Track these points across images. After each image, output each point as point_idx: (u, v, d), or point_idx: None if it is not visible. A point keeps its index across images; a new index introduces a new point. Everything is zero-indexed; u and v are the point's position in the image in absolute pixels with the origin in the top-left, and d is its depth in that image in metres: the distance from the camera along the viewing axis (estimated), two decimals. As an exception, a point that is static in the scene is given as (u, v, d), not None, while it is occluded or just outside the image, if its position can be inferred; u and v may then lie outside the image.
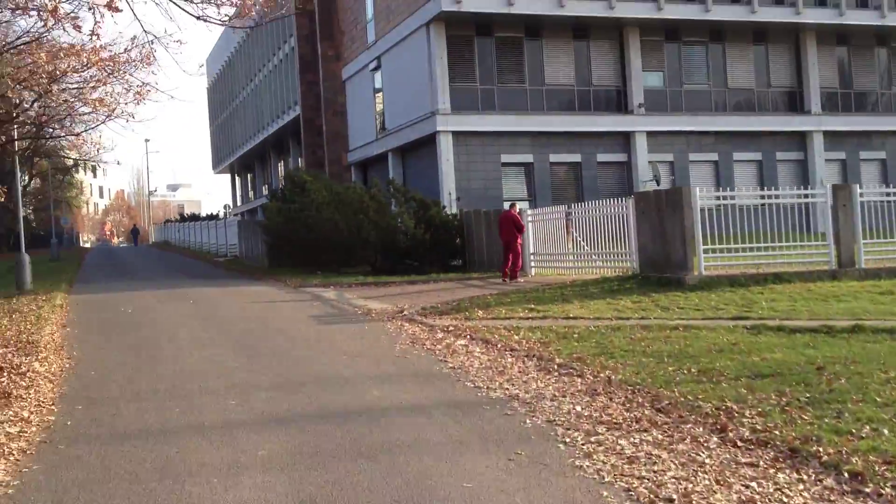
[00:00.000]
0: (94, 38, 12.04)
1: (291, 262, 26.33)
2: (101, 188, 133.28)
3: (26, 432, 7.14)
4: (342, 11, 39.50)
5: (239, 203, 74.18)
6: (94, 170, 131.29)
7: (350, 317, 14.95)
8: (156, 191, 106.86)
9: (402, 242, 24.70)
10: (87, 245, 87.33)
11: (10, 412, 7.71)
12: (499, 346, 11.02)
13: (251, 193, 69.95)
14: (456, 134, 30.45)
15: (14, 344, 11.90)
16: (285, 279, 22.93)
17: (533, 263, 22.36)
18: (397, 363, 10.19)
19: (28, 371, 9.69)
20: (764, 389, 7.84)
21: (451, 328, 12.71)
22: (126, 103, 13.87)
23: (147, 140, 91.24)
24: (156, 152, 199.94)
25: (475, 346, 11.19)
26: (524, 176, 32.33)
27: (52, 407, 8.17)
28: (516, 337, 11.62)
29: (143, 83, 14.00)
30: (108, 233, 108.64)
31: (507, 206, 23.19)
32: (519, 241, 20.58)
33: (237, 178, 75.02)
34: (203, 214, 59.78)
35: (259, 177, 65.09)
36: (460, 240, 25.70)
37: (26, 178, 61.94)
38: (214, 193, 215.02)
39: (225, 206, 69.08)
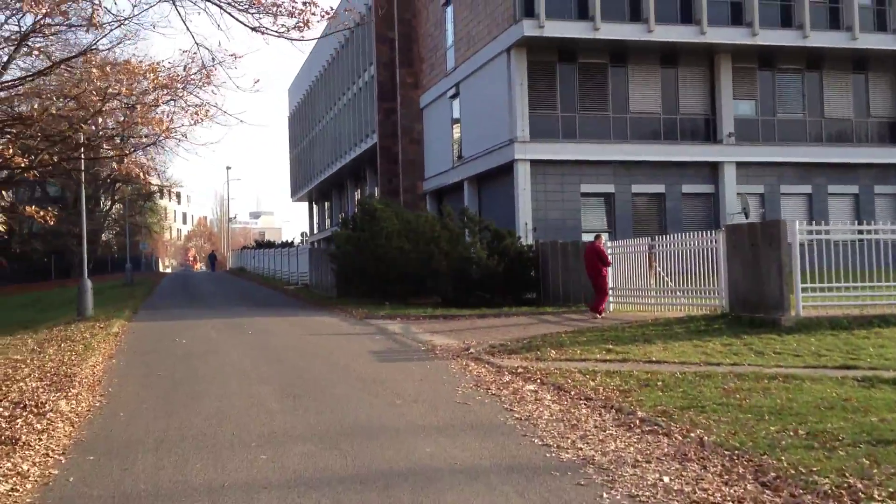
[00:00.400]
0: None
1: (360, 291, 25.48)
2: (184, 214, 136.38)
3: (17, 491, 6.18)
4: (423, 38, 38.95)
5: (315, 231, 74.36)
6: (178, 196, 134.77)
7: (412, 353, 13.86)
8: (235, 217, 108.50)
9: (474, 273, 23.57)
10: (169, 270, 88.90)
11: (9, 464, 6.76)
12: (572, 393, 9.76)
13: (327, 221, 70.01)
14: (534, 162, 29.32)
15: (50, 377, 11.17)
16: (352, 310, 22.05)
17: (612, 299, 20.97)
18: (457, 411, 9.03)
19: (51, 410, 8.83)
20: (891, 460, 6.45)
21: (520, 370, 11.49)
22: (182, 125, 13.13)
23: (228, 168, 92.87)
24: (237, 180, 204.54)
25: (546, 392, 9.95)
26: (604, 206, 30.95)
27: (60, 457, 7.21)
28: (592, 383, 10.34)
29: (202, 102, 13.26)
30: (190, 258, 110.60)
31: (586, 238, 21.87)
32: (604, 274, 19.25)
33: (314, 206, 75.30)
34: (279, 242, 59.82)
35: (336, 205, 65.03)
36: (535, 272, 24.46)
37: (108, 203, 63.21)
38: (294, 221, 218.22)
39: (302, 234, 69.23)
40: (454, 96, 34.78)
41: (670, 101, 31.47)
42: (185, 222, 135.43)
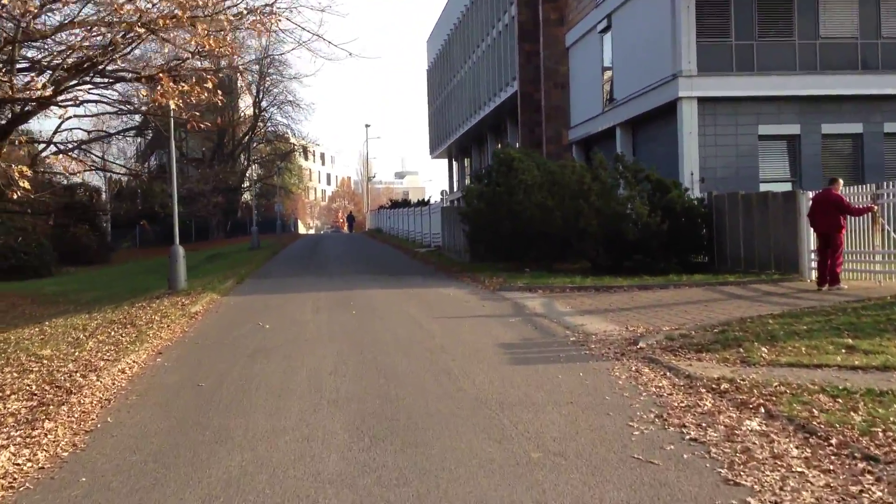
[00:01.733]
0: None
1: (495, 255, 21.81)
2: (328, 175, 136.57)
3: None
4: (566, -32, 34.44)
5: (455, 188, 71.18)
6: (322, 157, 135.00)
7: (558, 347, 10.04)
8: (374, 176, 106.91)
9: (631, 234, 19.39)
10: (311, 231, 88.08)
11: None
12: (834, 442, 5.72)
13: (467, 179, 66.61)
14: (702, 101, 24.57)
15: (52, 389, 8.08)
16: (484, 278, 18.42)
17: (814, 264, 16.45)
18: (636, 482, 5.19)
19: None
20: None
21: (722, 385, 7.49)
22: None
23: (367, 125, 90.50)
24: (377, 138, 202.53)
25: (784, 437, 5.93)
26: (787, 151, 25.84)
27: None
28: (857, 417, 6.25)
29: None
30: (340, 220, 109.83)
31: (765, 188, 17.24)
32: (843, 232, 14.69)
33: (454, 163, 72.02)
34: (417, 200, 56.95)
35: (476, 161, 61.44)
36: (707, 231, 20.08)
37: (245, 162, 62.02)
38: (437, 180, 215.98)
39: (442, 193, 66.00)
40: (605, 30, 30.21)
41: (870, 23, 25.82)
42: (328, 183, 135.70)
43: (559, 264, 20.80)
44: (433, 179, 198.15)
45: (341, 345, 10.51)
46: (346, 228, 78.28)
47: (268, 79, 59.93)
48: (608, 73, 30.38)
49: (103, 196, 72.02)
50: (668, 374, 8.20)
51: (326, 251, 34.03)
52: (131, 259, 47.87)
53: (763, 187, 23.93)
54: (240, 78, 62.43)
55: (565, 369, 8.63)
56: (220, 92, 11.24)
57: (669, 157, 25.55)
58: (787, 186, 24.40)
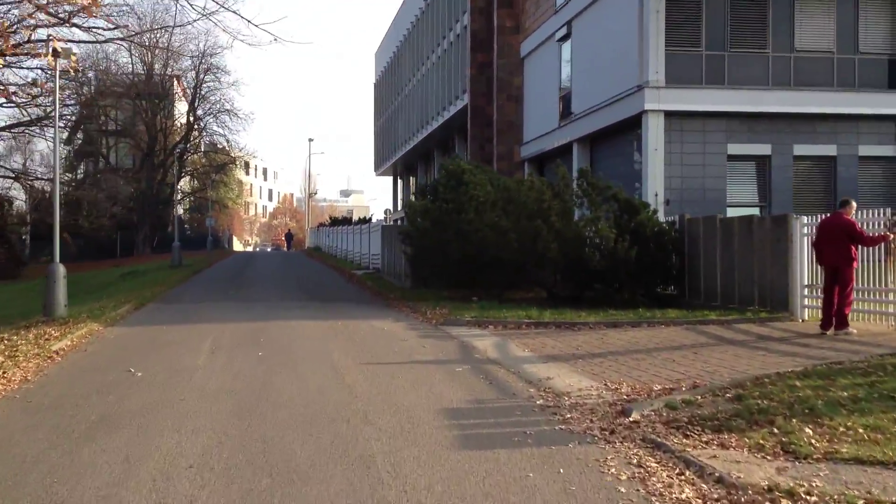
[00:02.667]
0: None
1: (440, 281, 19.23)
2: (270, 191, 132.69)
3: None
4: (522, -28, 32.24)
5: (399, 207, 68.62)
6: (264, 172, 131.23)
7: (523, 417, 7.42)
8: (317, 192, 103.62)
9: (594, 260, 17.00)
10: (250, 248, 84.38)
11: None
12: None
13: (412, 197, 64.12)
14: (669, 115, 22.42)
15: None
16: (426, 309, 15.82)
17: (807, 301, 14.22)
18: None
19: None
20: None
21: (781, 502, 4.97)
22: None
23: (311, 139, 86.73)
24: (320, 153, 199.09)
25: None
26: (756, 174, 23.84)
27: None
28: None
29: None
30: (282, 237, 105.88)
31: (733, 213, 15.06)
32: (855, 264, 12.31)
33: (399, 180, 69.52)
34: (359, 218, 54.20)
35: (422, 178, 58.99)
36: (678, 259, 17.78)
37: (178, 174, 58.53)
38: (382, 198, 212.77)
39: (385, 212, 63.33)
40: (564, 38, 27.99)
41: (847, 36, 24.04)
42: (270, 199, 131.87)
43: (511, 293, 18.29)
44: (377, 198, 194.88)
45: (226, 410, 7.72)
46: (285, 246, 75.01)
47: (204, 86, 56.75)
48: (566, 85, 28.14)
49: (14, 206, 67.88)
50: (686, 471, 5.64)
51: (255, 271, 31.05)
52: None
53: (730, 212, 21.88)
54: (175, 83, 59.23)
55: (538, 460, 6.01)
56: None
57: (631, 177, 23.35)
58: (755, 211, 22.38)
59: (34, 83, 21.06)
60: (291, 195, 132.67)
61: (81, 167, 67.29)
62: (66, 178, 65.16)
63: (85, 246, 60.79)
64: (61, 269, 15.12)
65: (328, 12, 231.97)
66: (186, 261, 36.64)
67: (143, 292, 20.72)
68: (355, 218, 65.25)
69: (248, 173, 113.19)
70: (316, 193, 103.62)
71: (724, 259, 16.36)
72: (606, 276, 17.15)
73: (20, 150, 66.00)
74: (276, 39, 17.24)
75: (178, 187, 56.30)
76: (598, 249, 17.13)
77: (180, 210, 67.15)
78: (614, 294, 16.86)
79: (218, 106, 56.27)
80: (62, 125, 56.08)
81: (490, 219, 16.31)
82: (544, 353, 10.95)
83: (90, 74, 54.93)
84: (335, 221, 53.52)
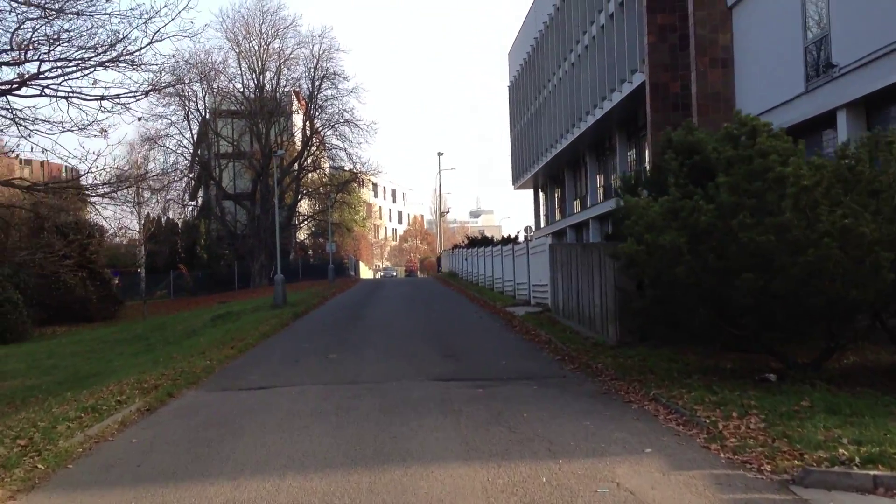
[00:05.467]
0: None
1: (676, 333, 10.89)
2: (400, 213, 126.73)
3: None
4: None
5: (542, 224, 60.28)
6: (392, 194, 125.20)
7: None
8: (448, 211, 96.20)
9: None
10: (379, 275, 77.56)
11: None
12: None
13: (557, 213, 55.61)
14: None
15: None
16: (708, 412, 7.54)
17: None
18: None
19: None
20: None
21: None
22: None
23: (440, 154, 78.41)
24: (451, 169, 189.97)
25: None
26: None
27: None
28: None
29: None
30: (414, 263, 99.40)
31: None
32: None
33: (540, 193, 61.27)
34: (502, 238, 46.19)
35: (570, 190, 50.58)
36: None
37: (295, 196, 52.02)
38: (516, 217, 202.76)
39: (526, 229, 55.19)
40: (806, -38, 19.11)
41: None
42: (400, 221, 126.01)
43: (803, 350, 9.75)
44: (511, 217, 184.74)
45: None
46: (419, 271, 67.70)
47: (320, 94, 50.12)
48: (815, 31, 19.19)
49: (128, 234, 63.21)
50: None
51: (376, 311, 23.19)
52: (151, 314, 37.91)
53: None
54: (293, 96, 53.10)
55: None
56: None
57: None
58: None
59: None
60: (421, 217, 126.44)
61: (200, 192, 62.18)
62: (189, 205, 60.09)
63: (203, 279, 55.33)
64: None
65: (454, 11, 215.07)
66: (296, 295, 29.42)
67: (205, 356, 13.35)
68: (485, 235, 57.24)
69: (375, 195, 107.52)
70: (448, 212, 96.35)
71: None
72: None
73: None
74: None
75: (290, 209, 49.92)
76: None
77: (301, 235, 60.98)
78: None
79: (337, 116, 49.52)
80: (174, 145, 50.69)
81: (833, 220, 7.79)
82: None
83: (196, 87, 49.46)
84: (473, 242, 45.57)
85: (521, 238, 44.80)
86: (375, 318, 20.78)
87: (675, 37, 26.42)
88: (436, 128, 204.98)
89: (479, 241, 42.99)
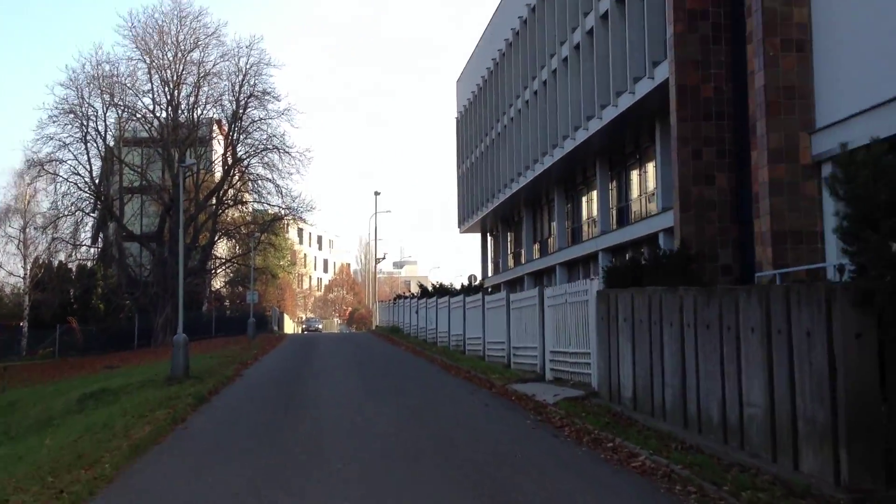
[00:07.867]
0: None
1: None
2: (325, 261, 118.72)
3: None
4: None
5: (490, 273, 53.80)
6: (318, 241, 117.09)
7: None
8: (384, 258, 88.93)
9: None
10: (298, 328, 69.31)
11: None
12: None
13: (510, 259, 49.20)
14: None
15: None
16: None
17: None
18: None
19: None
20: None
21: None
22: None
23: (377, 193, 70.38)
24: (387, 212, 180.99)
25: None
26: None
27: None
28: None
29: None
30: (346, 313, 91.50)
31: None
32: None
33: (489, 237, 54.98)
34: (464, 286, 39.16)
35: (528, 233, 44.31)
36: None
37: (206, 234, 44.14)
38: (445, 268, 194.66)
39: (470, 277, 48.44)
40: None
41: None
42: (325, 270, 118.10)
43: None
44: (440, 266, 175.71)
45: None
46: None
47: (246, 115, 42.72)
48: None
49: (19, 285, 54.07)
50: None
51: (322, 393, 15.52)
52: (18, 382, 29.66)
53: None
54: (214, 124, 45.58)
55: None
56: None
57: None
58: None
59: None
60: (348, 265, 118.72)
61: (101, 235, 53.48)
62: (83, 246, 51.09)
63: (97, 335, 46.74)
64: None
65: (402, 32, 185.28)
66: (204, 360, 21.90)
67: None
68: (415, 288, 50.16)
69: (301, 240, 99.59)
70: (384, 258, 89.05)
71: None
72: None
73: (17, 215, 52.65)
74: None
75: (204, 251, 42.12)
76: None
77: (217, 283, 52.93)
78: None
79: (265, 142, 42.12)
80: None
81: None
82: None
83: (97, 104, 41.64)
84: (425, 292, 38.36)
85: (484, 287, 38.09)
86: (324, 408, 13.41)
87: (707, 26, 20.45)
88: (366, 164, 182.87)
89: (434, 292, 35.89)
